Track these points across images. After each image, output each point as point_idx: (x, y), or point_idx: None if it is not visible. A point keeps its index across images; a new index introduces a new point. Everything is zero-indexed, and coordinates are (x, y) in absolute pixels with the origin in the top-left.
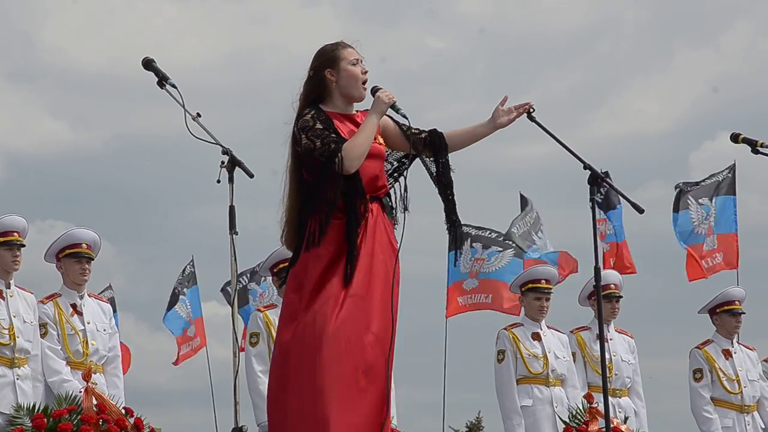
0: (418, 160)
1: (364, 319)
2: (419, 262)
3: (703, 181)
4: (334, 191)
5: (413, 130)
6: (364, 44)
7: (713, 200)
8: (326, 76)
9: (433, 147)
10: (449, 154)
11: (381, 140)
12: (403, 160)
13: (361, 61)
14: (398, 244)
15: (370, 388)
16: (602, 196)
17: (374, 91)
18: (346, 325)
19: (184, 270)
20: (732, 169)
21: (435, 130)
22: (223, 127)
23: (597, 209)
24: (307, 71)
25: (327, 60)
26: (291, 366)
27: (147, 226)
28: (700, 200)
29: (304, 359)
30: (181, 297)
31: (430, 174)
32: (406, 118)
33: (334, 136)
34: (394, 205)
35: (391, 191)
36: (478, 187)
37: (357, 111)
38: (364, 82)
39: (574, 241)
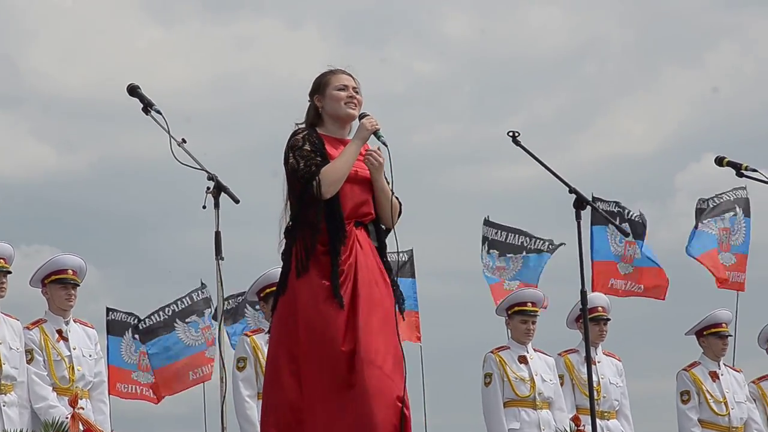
0: None
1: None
2: None
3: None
4: (315, 214)
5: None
6: (350, 67)
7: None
8: (315, 103)
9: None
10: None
11: None
12: None
13: (353, 88)
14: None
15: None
16: (629, 222)
17: (361, 117)
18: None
19: (192, 296)
20: (744, 189)
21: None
22: (207, 150)
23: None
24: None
25: (316, 87)
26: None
27: (133, 250)
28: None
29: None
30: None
31: None
32: (386, 146)
33: (319, 159)
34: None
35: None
36: (462, 210)
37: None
38: (348, 103)
39: (562, 263)
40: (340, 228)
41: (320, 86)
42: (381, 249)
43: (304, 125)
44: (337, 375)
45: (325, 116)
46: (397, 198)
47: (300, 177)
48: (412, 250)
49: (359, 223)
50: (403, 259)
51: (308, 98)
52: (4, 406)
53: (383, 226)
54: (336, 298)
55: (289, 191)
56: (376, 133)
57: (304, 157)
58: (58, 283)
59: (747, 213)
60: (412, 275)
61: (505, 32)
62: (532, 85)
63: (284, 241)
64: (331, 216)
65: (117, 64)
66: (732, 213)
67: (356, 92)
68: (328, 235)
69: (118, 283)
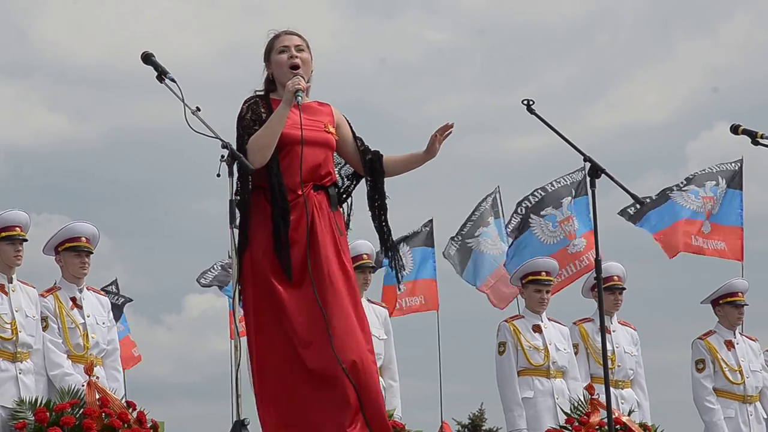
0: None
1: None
2: None
3: (706, 169)
4: (245, 185)
5: (361, 148)
6: (362, 36)
7: (719, 185)
8: (266, 70)
9: (371, 171)
10: (386, 179)
11: (332, 129)
12: (352, 177)
13: (295, 47)
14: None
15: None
16: None
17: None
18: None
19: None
20: (740, 162)
21: (377, 152)
22: (219, 119)
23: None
24: None
25: (264, 55)
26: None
27: (145, 219)
28: (705, 183)
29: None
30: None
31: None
32: (298, 106)
33: (256, 128)
34: (341, 194)
35: (339, 181)
36: (476, 180)
37: (315, 101)
38: (292, 66)
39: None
40: (280, 195)
41: (267, 53)
42: (379, 204)
43: (262, 92)
44: (290, 346)
45: (276, 82)
46: (376, 152)
47: (239, 147)
48: (431, 220)
49: (319, 186)
50: (425, 229)
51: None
52: (20, 373)
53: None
54: (284, 272)
55: None
56: (295, 94)
57: (244, 126)
58: (72, 251)
59: (739, 186)
60: (432, 245)
61: (517, 2)
62: (544, 55)
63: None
64: (273, 184)
65: (128, 34)
66: (714, 183)
67: (300, 50)
68: (273, 199)
69: (129, 252)
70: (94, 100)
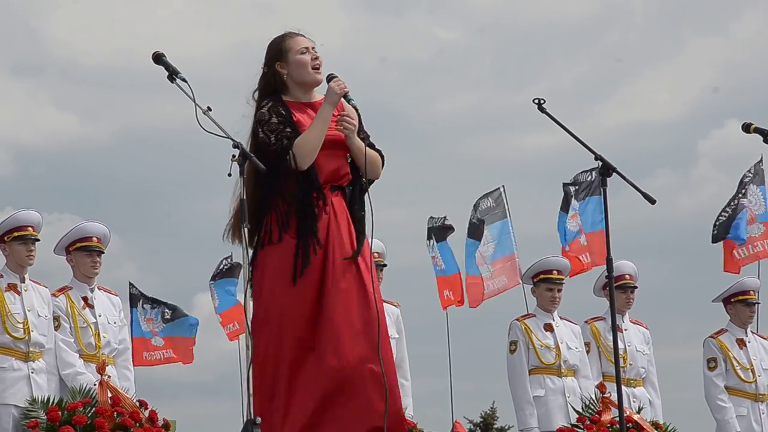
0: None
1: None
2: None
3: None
4: (293, 185)
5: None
6: (371, 34)
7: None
8: (278, 70)
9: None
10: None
11: None
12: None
13: (313, 48)
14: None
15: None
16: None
17: (329, 79)
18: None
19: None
20: (760, 160)
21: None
22: (230, 119)
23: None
24: (261, 67)
25: (276, 53)
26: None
27: (155, 218)
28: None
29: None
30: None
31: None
32: (356, 110)
33: (288, 131)
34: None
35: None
36: (485, 176)
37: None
38: (315, 68)
39: None
40: (319, 197)
41: (281, 53)
42: (360, 207)
43: (258, 95)
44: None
45: (290, 83)
46: (379, 150)
47: (273, 151)
48: (444, 217)
49: (336, 187)
50: (439, 224)
51: (264, 67)
52: (32, 373)
53: (367, 179)
54: (293, 273)
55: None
56: (345, 96)
57: (273, 130)
58: (83, 251)
59: (759, 182)
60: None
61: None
62: (554, 54)
63: (233, 219)
64: (307, 184)
65: (138, 33)
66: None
67: (316, 52)
68: (302, 203)
69: (141, 251)
70: (104, 100)
